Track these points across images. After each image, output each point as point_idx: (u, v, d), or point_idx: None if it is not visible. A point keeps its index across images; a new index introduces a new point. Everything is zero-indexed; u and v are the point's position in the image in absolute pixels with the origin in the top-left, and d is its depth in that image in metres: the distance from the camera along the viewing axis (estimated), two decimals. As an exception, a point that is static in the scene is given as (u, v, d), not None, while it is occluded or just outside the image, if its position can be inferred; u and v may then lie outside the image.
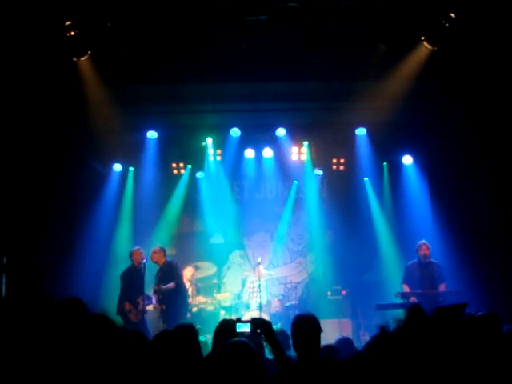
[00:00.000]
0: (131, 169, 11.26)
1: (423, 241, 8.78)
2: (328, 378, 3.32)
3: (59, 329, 1.24)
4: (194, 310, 10.08)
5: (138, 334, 3.30)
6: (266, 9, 7.06)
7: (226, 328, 3.96)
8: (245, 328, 3.39)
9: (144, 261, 8.55)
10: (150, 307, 8.90)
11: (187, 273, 9.90)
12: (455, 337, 1.69)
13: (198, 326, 5.24)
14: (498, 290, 7.98)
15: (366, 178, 11.28)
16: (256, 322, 3.40)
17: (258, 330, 3.35)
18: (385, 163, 11.19)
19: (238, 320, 3.48)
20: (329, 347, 4.39)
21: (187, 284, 9.73)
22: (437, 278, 8.54)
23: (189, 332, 4.13)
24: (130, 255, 9.01)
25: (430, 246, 8.70)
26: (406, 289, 8.57)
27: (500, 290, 8.01)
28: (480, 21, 7.22)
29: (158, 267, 8.94)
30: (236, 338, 3.18)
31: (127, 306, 8.55)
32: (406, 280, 8.73)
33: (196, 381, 2.84)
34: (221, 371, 2.93)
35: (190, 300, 9.72)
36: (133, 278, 8.73)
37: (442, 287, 8.44)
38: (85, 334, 1.25)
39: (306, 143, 11.16)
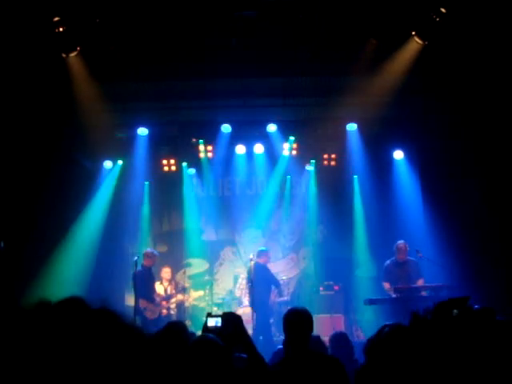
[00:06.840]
0: (119, 163, 11.15)
1: (401, 242, 8.75)
2: (316, 371, 3.32)
3: (62, 331, 1.19)
4: (187, 305, 10.07)
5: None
6: (256, 4, 7.03)
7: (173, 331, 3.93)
8: (215, 322, 3.32)
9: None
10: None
11: (164, 274, 9.82)
12: (461, 329, 1.68)
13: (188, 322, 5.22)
14: (489, 286, 8.01)
15: (355, 176, 11.27)
16: (227, 317, 3.34)
17: (228, 325, 3.27)
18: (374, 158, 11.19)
19: (209, 314, 3.41)
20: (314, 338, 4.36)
21: (166, 284, 9.69)
22: (413, 275, 8.56)
23: (178, 328, 4.12)
24: (144, 256, 9.07)
25: (407, 245, 8.71)
26: (388, 286, 8.56)
27: (491, 285, 8.05)
28: (471, 16, 7.23)
29: None
30: (203, 335, 3.11)
31: (143, 303, 8.59)
32: (386, 279, 8.71)
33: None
34: (185, 369, 2.84)
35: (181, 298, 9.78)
36: (146, 278, 8.86)
37: (419, 283, 8.44)
38: (88, 332, 1.20)
39: (293, 139, 11.09)
